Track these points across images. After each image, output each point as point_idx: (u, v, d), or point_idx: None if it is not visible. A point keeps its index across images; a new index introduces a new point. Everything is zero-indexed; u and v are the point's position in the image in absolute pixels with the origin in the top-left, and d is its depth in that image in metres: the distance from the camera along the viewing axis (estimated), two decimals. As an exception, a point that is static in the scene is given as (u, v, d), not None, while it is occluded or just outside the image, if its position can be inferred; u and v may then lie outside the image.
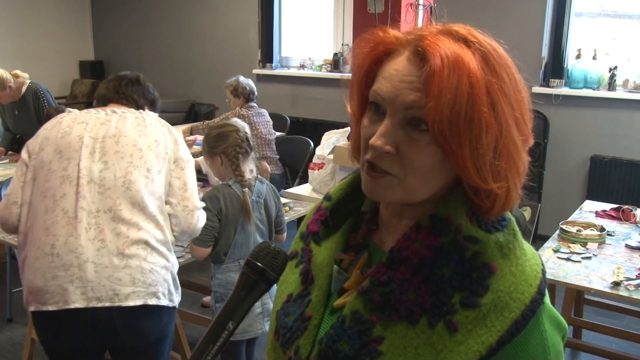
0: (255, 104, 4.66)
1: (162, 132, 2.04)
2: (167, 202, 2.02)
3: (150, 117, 2.08)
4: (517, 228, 0.81)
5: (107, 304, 1.80)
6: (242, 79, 4.66)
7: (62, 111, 3.35)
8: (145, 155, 1.95)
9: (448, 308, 0.75)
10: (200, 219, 2.11)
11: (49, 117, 3.29)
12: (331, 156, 3.77)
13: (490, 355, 0.74)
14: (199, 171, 2.74)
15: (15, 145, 4.56)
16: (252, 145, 2.59)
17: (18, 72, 4.24)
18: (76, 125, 1.96)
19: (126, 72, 2.24)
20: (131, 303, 1.82)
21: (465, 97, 0.71)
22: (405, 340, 0.76)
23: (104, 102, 2.14)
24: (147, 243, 1.88)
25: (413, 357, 0.75)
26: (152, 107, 2.23)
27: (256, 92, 4.71)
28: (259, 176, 2.65)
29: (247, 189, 2.48)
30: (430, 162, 0.75)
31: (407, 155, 0.75)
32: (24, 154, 1.99)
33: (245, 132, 2.58)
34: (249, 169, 2.56)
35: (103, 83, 2.21)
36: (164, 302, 1.90)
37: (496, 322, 0.74)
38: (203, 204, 2.16)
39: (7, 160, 4.32)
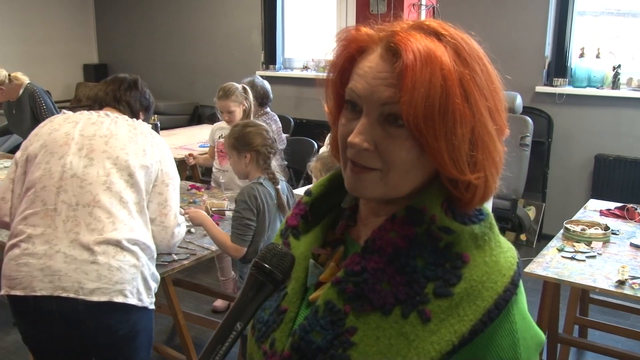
0: (269, 109, 4.30)
1: (151, 144, 2.05)
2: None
3: (142, 126, 2.10)
4: (494, 222, 0.82)
5: (72, 295, 1.83)
6: (258, 80, 4.23)
7: None
8: (129, 161, 1.96)
9: (421, 298, 0.75)
10: (176, 235, 2.10)
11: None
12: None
13: (463, 345, 0.74)
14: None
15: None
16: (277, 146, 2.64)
17: (19, 74, 4.27)
18: (66, 124, 2.02)
19: (125, 75, 2.25)
20: (95, 299, 1.84)
21: (439, 90, 0.72)
22: (378, 331, 0.76)
23: (99, 105, 2.18)
24: (118, 242, 1.89)
25: (386, 347, 0.75)
26: (147, 113, 2.25)
27: (271, 96, 4.30)
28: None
29: (279, 186, 2.52)
30: (409, 157, 0.76)
31: (386, 151, 0.76)
32: (17, 152, 2.06)
33: (271, 133, 2.64)
34: (276, 168, 2.61)
35: (102, 85, 2.23)
36: (132, 300, 1.90)
37: (469, 311, 0.74)
38: (182, 220, 2.16)
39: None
